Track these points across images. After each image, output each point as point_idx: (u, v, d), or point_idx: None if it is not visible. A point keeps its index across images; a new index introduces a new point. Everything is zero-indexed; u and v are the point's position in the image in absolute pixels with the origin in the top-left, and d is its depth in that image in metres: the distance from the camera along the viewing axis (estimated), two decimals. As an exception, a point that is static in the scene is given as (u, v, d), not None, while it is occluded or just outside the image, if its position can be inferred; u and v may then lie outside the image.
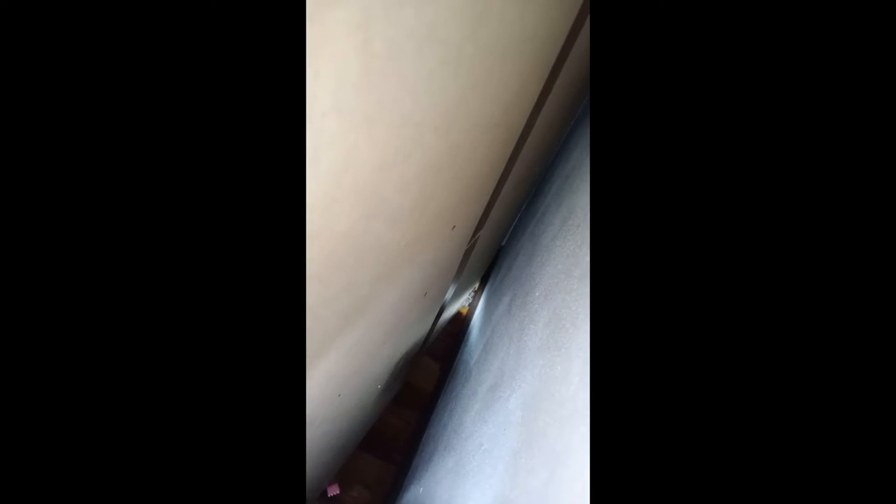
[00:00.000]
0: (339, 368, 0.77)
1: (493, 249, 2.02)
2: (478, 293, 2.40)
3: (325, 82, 0.27)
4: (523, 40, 0.53)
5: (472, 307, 2.35)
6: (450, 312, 2.02)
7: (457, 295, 1.81)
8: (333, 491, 1.76)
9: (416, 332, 1.36)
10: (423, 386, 2.13)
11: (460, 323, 2.37)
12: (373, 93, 0.32)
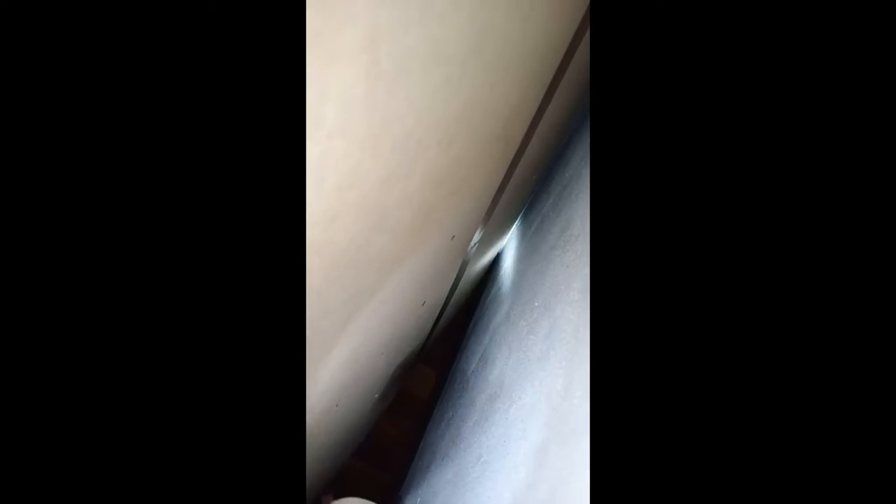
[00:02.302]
0: (337, 379, 0.76)
1: (490, 257, 2.02)
2: (474, 300, 2.39)
3: (333, 103, 0.27)
4: (524, 55, 0.54)
5: (470, 314, 2.34)
6: (446, 320, 2.02)
7: (454, 303, 1.80)
8: (328, 501, 1.74)
9: (413, 340, 1.35)
10: (420, 394, 2.11)
11: (457, 330, 2.36)
12: (378, 111, 0.32)
